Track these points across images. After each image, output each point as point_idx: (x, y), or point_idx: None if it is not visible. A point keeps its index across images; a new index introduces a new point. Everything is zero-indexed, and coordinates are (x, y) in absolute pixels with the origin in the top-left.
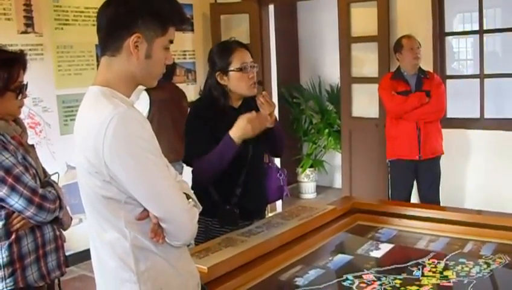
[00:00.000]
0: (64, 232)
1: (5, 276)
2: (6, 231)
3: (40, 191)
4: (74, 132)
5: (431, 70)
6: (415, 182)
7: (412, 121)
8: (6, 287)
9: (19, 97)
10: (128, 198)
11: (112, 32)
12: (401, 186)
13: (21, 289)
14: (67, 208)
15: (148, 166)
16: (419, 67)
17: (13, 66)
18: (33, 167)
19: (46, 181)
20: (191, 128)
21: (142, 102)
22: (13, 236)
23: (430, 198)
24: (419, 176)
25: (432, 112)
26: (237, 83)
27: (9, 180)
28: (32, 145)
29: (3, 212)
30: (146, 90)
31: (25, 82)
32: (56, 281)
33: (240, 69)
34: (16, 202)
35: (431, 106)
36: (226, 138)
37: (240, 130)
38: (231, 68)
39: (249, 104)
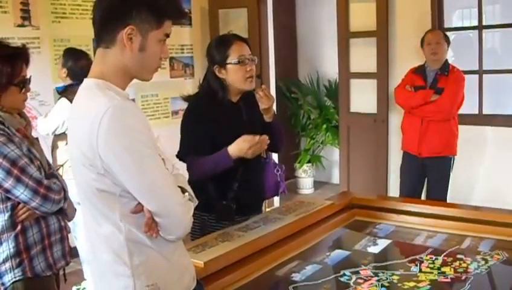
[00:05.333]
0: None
1: (13, 266)
2: (12, 222)
3: (45, 182)
4: (68, 124)
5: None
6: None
7: (418, 117)
8: (15, 277)
9: (23, 91)
10: (123, 191)
11: (106, 23)
12: (405, 178)
13: (29, 279)
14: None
15: (143, 159)
16: (445, 63)
17: (16, 60)
18: (38, 159)
19: (50, 173)
20: (188, 124)
21: (65, 111)
22: (19, 227)
23: (434, 197)
24: (427, 173)
25: (434, 111)
26: (234, 76)
27: (15, 171)
28: (37, 138)
29: (9, 204)
30: (64, 96)
31: (27, 76)
32: (61, 271)
33: (238, 62)
34: (21, 193)
35: (434, 106)
36: (224, 152)
37: (238, 150)
38: (228, 61)
39: (248, 100)
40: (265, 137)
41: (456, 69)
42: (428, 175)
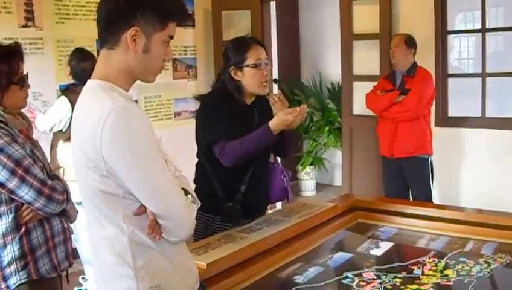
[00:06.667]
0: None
1: (18, 269)
2: (16, 224)
3: (49, 182)
4: (72, 126)
5: (427, 68)
6: None
7: (388, 119)
8: (20, 280)
9: (23, 88)
10: (126, 193)
11: (110, 24)
12: (386, 181)
13: (35, 281)
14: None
15: (146, 161)
16: (412, 65)
17: (12, 58)
18: (40, 160)
19: (52, 174)
20: (210, 114)
21: (63, 109)
22: (23, 229)
23: (416, 198)
24: (405, 175)
25: (401, 110)
26: (250, 80)
27: (20, 171)
28: (37, 141)
29: (12, 205)
30: (65, 95)
31: (24, 72)
32: (64, 272)
33: (255, 66)
34: (25, 193)
35: (400, 106)
36: (265, 128)
37: (281, 124)
38: (246, 64)
39: (261, 102)
40: (305, 106)
41: (423, 70)
42: (406, 178)
